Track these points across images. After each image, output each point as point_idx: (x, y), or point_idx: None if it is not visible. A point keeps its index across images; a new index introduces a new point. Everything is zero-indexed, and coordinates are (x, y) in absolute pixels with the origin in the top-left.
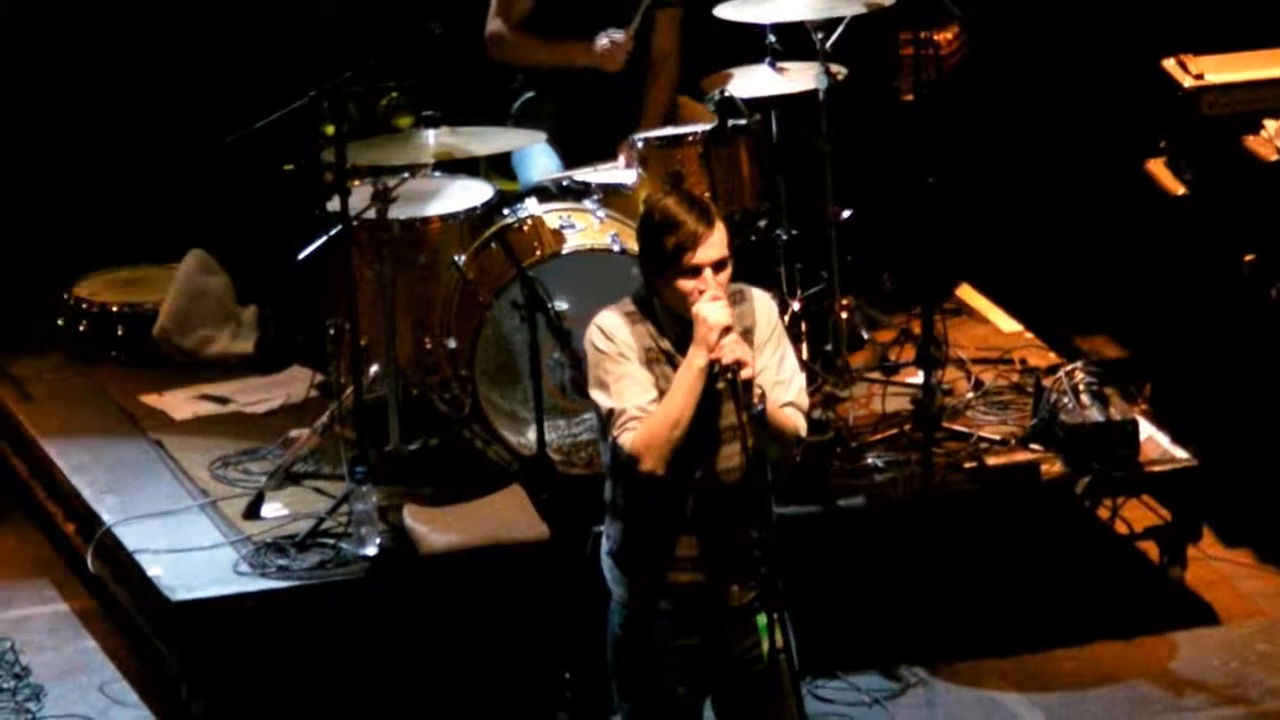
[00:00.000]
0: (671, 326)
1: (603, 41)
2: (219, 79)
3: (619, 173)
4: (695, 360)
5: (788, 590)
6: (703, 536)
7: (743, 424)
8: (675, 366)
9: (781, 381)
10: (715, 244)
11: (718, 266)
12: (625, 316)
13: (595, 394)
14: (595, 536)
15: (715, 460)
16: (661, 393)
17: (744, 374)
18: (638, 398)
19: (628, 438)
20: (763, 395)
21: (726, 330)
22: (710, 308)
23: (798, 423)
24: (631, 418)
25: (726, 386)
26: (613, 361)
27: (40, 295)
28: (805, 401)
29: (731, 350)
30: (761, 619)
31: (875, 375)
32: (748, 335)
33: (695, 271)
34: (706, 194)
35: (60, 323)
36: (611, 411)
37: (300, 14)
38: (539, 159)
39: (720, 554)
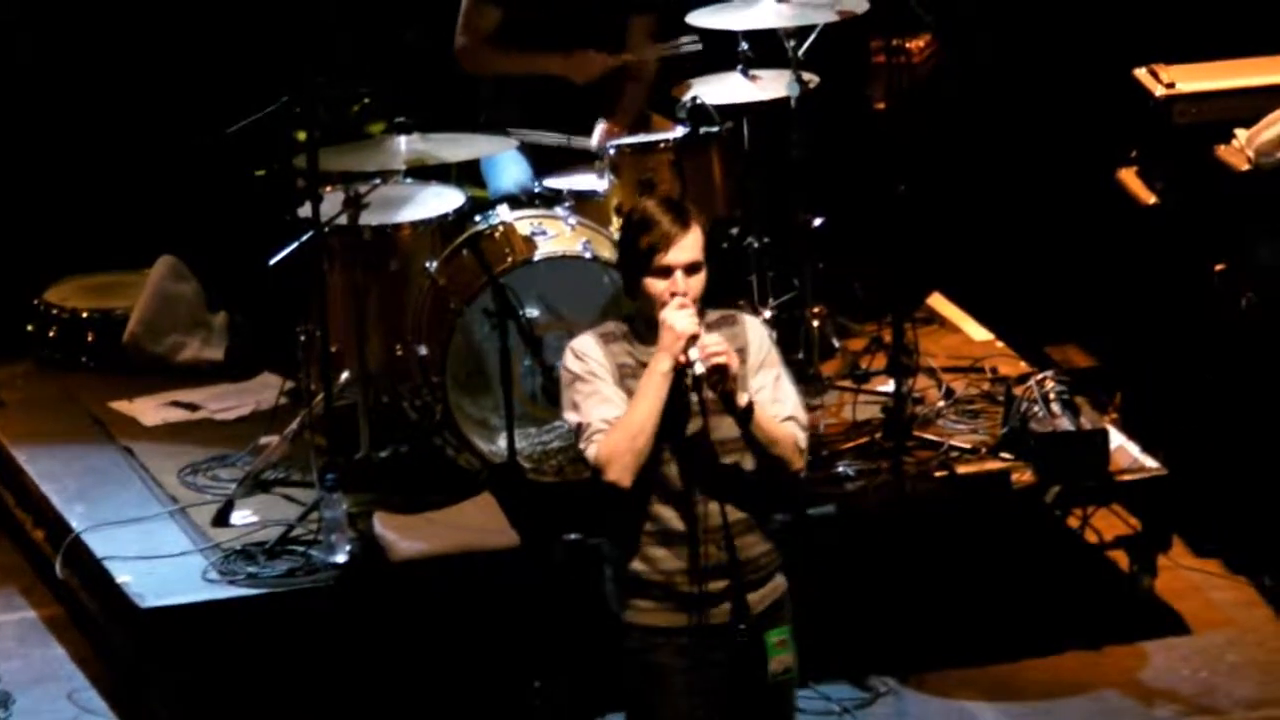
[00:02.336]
0: (649, 335)
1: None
2: (189, 84)
3: (591, 179)
4: (659, 365)
5: (795, 604)
6: (702, 553)
7: (708, 432)
8: None
9: (779, 400)
10: (688, 247)
11: (690, 270)
12: (600, 337)
13: (567, 415)
14: (565, 545)
15: (710, 474)
16: None
17: (730, 368)
18: (605, 412)
19: (592, 449)
20: (750, 404)
21: (693, 338)
22: (676, 315)
23: (796, 434)
24: (596, 430)
25: (717, 396)
26: (583, 381)
27: (11, 301)
28: (804, 416)
29: (712, 355)
30: (770, 635)
31: (846, 384)
32: (740, 355)
33: (666, 272)
34: None
35: (30, 329)
36: (580, 426)
37: (269, 19)
38: (508, 165)
39: (720, 570)
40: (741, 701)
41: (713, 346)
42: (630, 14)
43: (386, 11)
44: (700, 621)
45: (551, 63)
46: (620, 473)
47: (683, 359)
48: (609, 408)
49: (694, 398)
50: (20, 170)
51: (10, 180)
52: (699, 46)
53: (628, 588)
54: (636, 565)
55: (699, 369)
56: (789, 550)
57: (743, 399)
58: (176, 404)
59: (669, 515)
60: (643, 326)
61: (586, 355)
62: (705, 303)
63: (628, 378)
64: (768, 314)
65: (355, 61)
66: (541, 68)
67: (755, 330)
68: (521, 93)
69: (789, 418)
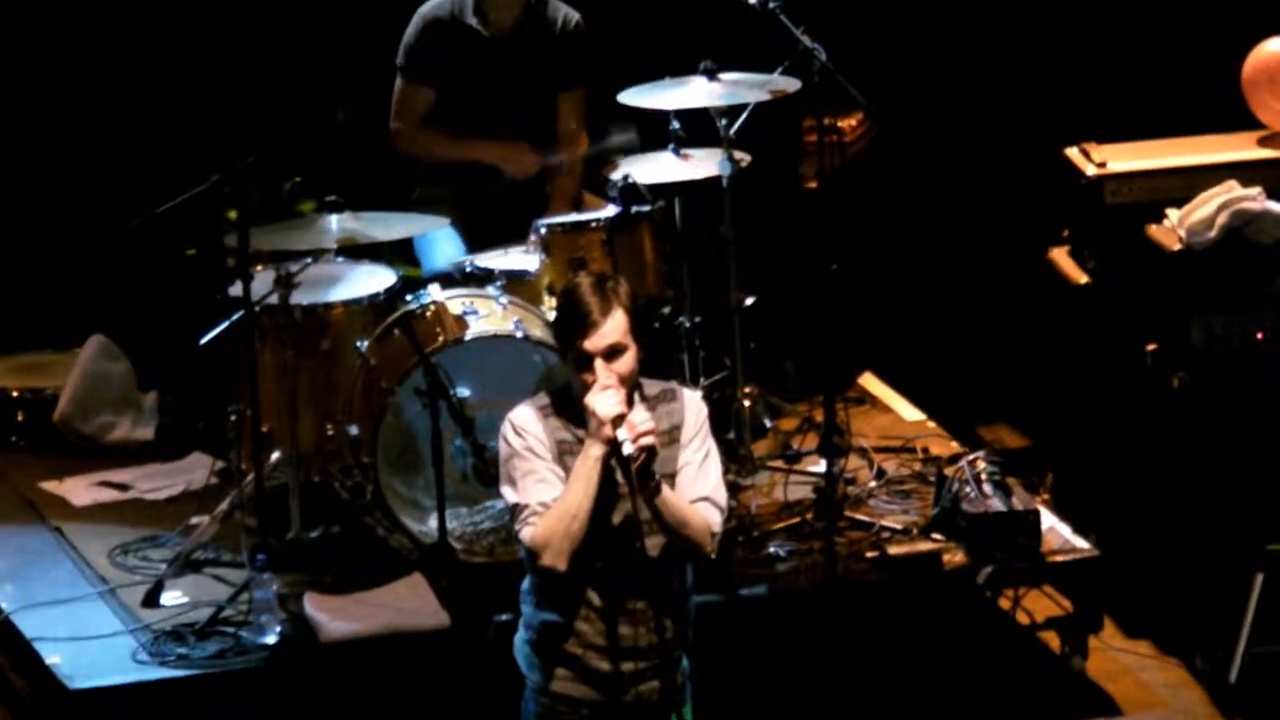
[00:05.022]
0: (583, 413)
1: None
2: (119, 163)
3: (522, 259)
4: (591, 451)
5: (696, 686)
6: (618, 627)
7: (635, 511)
8: None
9: (700, 478)
10: (608, 333)
11: (611, 355)
12: (539, 410)
13: (504, 489)
14: (496, 625)
15: (633, 551)
16: None
17: (654, 448)
18: (542, 494)
19: (528, 532)
20: (659, 483)
21: (619, 419)
22: (599, 400)
23: (709, 517)
24: (533, 513)
25: (634, 475)
26: (521, 458)
27: None
28: (722, 499)
29: (640, 435)
30: (678, 715)
31: (778, 464)
32: (674, 432)
33: (588, 359)
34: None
35: None
36: (516, 506)
37: (202, 97)
38: (443, 244)
39: (637, 650)
40: None
41: (641, 426)
42: (559, 90)
43: (317, 89)
44: (609, 697)
45: (486, 151)
46: (555, 558)
47: (616, 436)
48: (545, 488)
49: (620, 478)
50: None
51: None
52: (632, 135)
53: (541, 652)
54: (553, 633)
55: (627, 449)
56: (717, 631)
57: (652, 482)
58: (107, 484)
59: (592, 592)
60: (577, 402)
61: (525, 431)
62: (645, 375)
63: (566, 454)
64: (699, 394)
65: (286, 139)
66: (475, 155)
67: (693, 406)
68: (455, 172)
69: (704, 498)
